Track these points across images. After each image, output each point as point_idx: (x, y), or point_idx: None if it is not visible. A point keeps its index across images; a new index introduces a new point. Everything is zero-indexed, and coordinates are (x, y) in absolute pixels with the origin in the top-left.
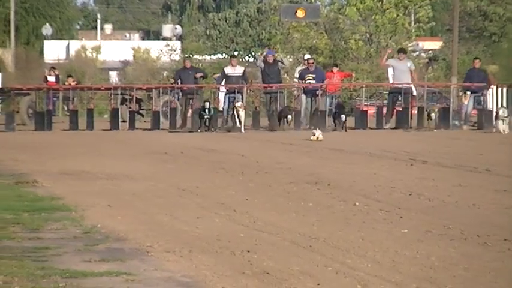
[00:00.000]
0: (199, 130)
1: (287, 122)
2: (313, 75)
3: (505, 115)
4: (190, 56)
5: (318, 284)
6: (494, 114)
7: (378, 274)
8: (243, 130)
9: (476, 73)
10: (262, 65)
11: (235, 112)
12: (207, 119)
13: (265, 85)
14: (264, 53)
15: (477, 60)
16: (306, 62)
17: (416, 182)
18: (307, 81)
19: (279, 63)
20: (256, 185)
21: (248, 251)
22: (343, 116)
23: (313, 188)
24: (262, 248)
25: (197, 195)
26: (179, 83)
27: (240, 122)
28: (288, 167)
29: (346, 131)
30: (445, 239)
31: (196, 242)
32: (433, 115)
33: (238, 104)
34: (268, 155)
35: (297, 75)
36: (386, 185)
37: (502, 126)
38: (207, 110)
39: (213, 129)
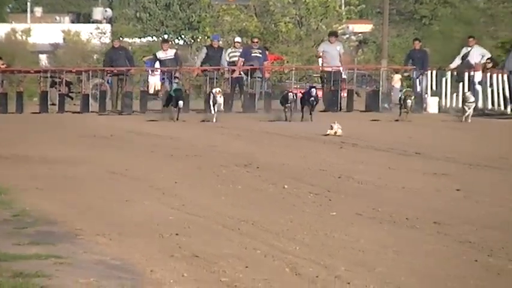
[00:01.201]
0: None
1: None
2: (260, 51)
3: (471, 101)
4: (120, 38)
5: (247, 267)
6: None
7: (307, 257)
8: (214, 120)
9: (417, 54)
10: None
11: (211, 99)
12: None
13: (203, 68)
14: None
15: (417, 42)
16: (251, 41)
17: (346, 165)
18: (253, 56)
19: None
20: (186, 168)
21: (177, 234)
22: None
23: (243, 171)
24: (191, 231)
25: (127, 178)
26: (110, 64)
27: (215, 110)
28: (219, 150)
29: (311, 120)
30: (375, 222)
31: (126, 225)
32: (409, 102)
33: (216, 89)
34: (200, 138)
35: (227, 58)
36: (317, 168)
37: (467, 112)
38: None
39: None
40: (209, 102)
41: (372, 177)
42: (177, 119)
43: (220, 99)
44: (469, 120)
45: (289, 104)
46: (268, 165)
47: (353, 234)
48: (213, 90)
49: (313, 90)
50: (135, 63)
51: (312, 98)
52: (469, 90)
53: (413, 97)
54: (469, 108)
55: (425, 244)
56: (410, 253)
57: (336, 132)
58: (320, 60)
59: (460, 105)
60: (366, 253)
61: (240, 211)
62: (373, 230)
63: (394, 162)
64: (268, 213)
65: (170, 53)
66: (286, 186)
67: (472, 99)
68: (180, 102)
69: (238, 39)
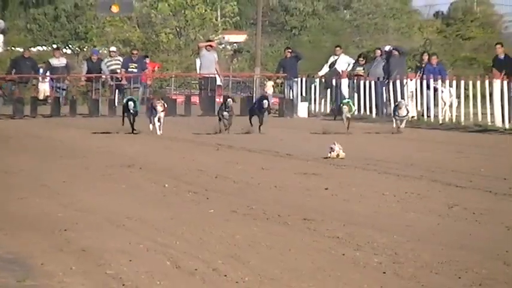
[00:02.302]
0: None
1: None
2: (136, 64)
3: (403, 114)
4: (12, 48)
5: (130, 260)
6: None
7: (186, 251)
8: (159, 132)
9: (288, 62)
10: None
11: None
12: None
13: (88, 76)
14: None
15: (289, 51)
16: (131, 52)
17: (222, 166)
18: (129, 70)
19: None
20: (75, 168)
21: (66, 230)
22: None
23: (127, 171)
24: (79, 227)
25: (21, 177)
26: (13, 72)
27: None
28: (105, 151)
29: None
30: (249, 219)
31: (19, 221)
32: (345, 108)
33: (157, 101)
34: (88, 140)
35: (104, 67)
36: (195, 168)
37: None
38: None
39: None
40: (151, 113)
41: (246, 176)
42: (133, 130)
43: (161, 113)
44: (402, 130)
45: (223, 115)
46: (151, 165)
47: (229, 230)
48: (154, 102)
49: (265, 101)
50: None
51: (264, 109)
52: (402, 99)
53: (349, 111)
54: (401, 120)
55: (295, 239)
56: (281, 248)
57: (338, 155)
58: (198, 66)
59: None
60: (240, 248)
61: (124, 208)
62: (247, 226)
63: (267, 162)
64: (150, 210)
65: (62, 61)
66: (166, 185)
67: (404, 112)
68: (131, 103)
69: (113, 48)
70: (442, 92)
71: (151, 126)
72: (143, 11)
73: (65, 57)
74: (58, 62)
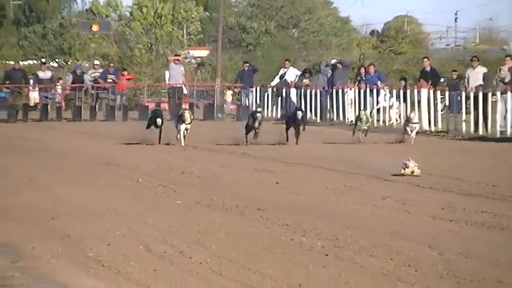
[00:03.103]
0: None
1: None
2: (113, 76)
3: (415, 121)
4: (6, 61)
5: (109, 245)
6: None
7: (157, 237)
8: (183, 143)
9: (246, 74)
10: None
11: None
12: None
13: (71, 86)
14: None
15: (246, 64)
16: (108, 65)
17: (189, 163)
18: (109, 80)
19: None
20: (57, 166)
21: (52, 219)
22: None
23: (105, 169)
24: (64, 217)
25: (10, 175)
26: (7, 82)
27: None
28: (84, 152)
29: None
30: (211, 209)
31: (10, 212)
32: (363, 119)
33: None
34: (69, 142)
35: (89, 77)
36: (166, 165)
37: (412, 134)
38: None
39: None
40: (178, 122)
41: (209, 172)
42: (160, 141)
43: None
44: (412, 142)
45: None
46: (126, 164)
47: (193, 218)
48: (184, 113)
49: (299, 113)
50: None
51: (298, 120)
52: (411, 111)
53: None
54: (411, 130)
55: (250, 227)
56: (238, 234)
57: (413, 172)
58: (167, 78)
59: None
60: (203, 234)
61: (103, 201)
62: (209, 215)
63: (226, 161)
64: (125, 202)
65: (48, 74)
66: (140, 180)
67: (416, 119)
68: (159, 120)
69: (97, 62)
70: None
71: (178, 136)
72: (119, 29)
73: (50, 70)
74: (44, 74)
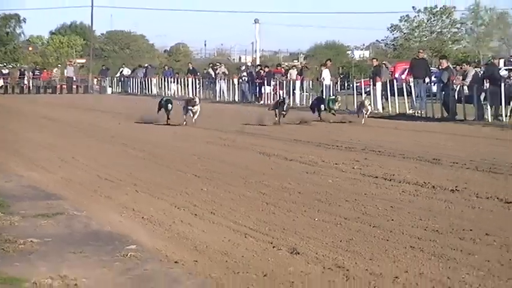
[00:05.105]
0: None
1: None
2: (39, 72)
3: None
4: None
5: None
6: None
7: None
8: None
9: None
10: None
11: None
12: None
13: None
14: None
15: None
16: (35, 67)
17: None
18: (36, 74)
19: None
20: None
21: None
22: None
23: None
24: (26, 148)
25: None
26: None
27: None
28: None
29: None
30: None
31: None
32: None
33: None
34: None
35: (27, 73)
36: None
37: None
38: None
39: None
40: (186, 110)
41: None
42: (168, 119)
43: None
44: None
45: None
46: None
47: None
48: (192, 102)
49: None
50: None
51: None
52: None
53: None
54: (366, 112)
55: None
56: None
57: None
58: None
59: None
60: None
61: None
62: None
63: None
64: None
65: (6, 71)
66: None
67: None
68: (169, 106)
69: (37, 67)
70: None
71: (184, 117)
72: (42, 49)
73: (8, 69)
74: (4, 71)
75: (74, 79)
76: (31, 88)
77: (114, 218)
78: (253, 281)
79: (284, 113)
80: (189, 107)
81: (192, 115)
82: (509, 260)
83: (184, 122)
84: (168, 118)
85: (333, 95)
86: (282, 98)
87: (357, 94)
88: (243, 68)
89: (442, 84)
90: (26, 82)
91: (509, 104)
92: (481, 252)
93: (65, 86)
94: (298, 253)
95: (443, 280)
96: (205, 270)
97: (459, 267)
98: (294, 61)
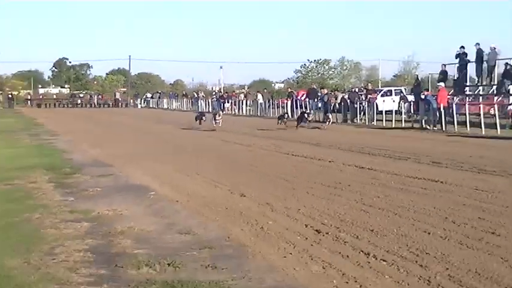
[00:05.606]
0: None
1: None
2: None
3: (311, 114)
4: None
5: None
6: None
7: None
8: (220, 124)
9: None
10: None
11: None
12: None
13: None
14: None
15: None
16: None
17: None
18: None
19: None
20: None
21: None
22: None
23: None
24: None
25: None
26: None
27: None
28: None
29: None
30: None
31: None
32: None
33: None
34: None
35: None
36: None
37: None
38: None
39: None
40: (214, 119)
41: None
42: (200, 124)
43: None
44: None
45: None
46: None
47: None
48: (216, 114)
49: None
50: None
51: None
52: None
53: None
54: (309, 120)
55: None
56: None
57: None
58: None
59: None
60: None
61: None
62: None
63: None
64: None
65: None
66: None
67: (311, 114)
68: (204, 117)
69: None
70: None
71: (213, 123)
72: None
73: (82, 94)
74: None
75: (120, 99)
76: (96, 105)
77: (141, 177)
78: (219, 211)
79: (308, 121)
80: (216, 118)
81: (219, 123)
82: None
83: (214, 127)
84: (200, 124)
85: (309, 110)
86: (301, 112)
87: (277, 108)
88: (214, 93)
89: (323, 102)
90: (94, 101)
91: (360, 114)
92: (316, 188)
93: (114, 103)
94: (245, 196)
95: (326, 211)
96: (193, 205)
97: (337, 200)
98: (242, 89)
